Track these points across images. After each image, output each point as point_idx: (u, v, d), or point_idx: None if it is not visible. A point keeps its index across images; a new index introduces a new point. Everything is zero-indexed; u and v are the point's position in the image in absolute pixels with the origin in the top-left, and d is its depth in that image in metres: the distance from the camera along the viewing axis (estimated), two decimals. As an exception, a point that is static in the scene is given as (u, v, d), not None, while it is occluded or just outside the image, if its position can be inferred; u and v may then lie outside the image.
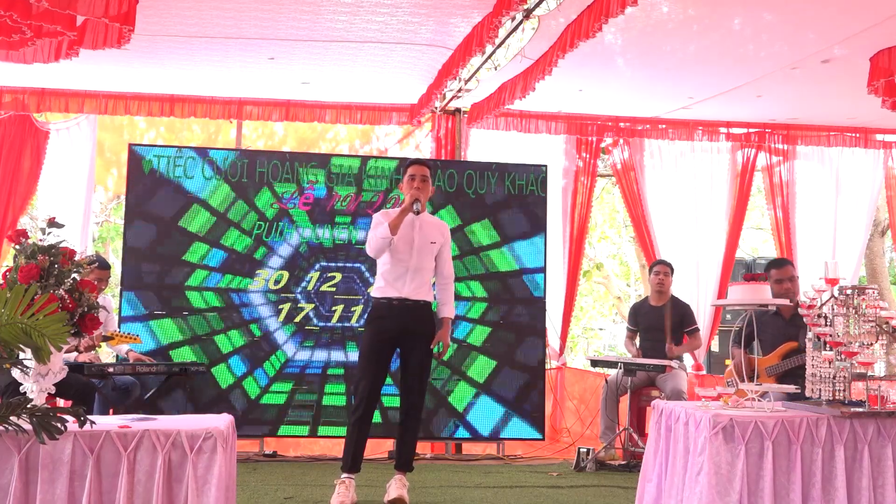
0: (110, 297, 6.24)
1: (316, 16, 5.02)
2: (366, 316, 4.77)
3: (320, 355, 6.07)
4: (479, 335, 6.20)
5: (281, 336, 6.04)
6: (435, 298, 4.74)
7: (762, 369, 5.32)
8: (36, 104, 6.64)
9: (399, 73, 6.16)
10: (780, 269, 5.43)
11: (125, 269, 5.99)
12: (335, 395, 6.05)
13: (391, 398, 5.91)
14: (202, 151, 6.16)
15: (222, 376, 5.96)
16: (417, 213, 4.53)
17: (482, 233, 6.27)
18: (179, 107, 6.79)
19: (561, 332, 7.21)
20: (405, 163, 4.78)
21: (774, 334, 5.36)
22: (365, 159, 6.34)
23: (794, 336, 5.23)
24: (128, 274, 5.97)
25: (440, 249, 4.68)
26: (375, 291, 4.66)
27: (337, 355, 6.07)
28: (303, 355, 6.05)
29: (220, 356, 5.97)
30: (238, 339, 6.00)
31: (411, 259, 4.56)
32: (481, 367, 6.18)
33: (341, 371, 6.07)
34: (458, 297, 6.15)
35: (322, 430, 6.03)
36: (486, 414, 6.16)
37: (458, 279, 6.13)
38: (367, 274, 6.09)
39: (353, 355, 6.01)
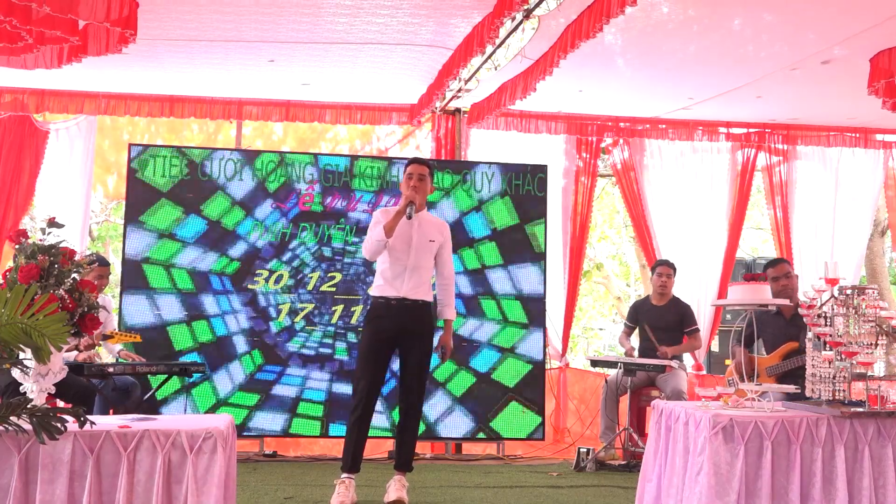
0: (110, 298, 6.24)
1: (316, 18, 5.02)
2: (364, 315, 4.75)
3: (322, 352, 6.07)
4: (479, 333, 6.20)
5: (280, 337, 6.04)
6: (435, 299, 4.73)
7: (762, 369, 5.32)
8: (35, 105, 6.63)
9: (399, 73, 6.16)
10: (775, 268, 5.47)
11: (125, 268, 5.98)
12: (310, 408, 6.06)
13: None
14: (202, 151, 6.16)
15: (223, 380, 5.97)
16: (410, 217, 4.49)
17: (482, 233, 6.26)
18: (179, 107, 6.79)
19: (562, 333, 7.21)
20: (405, 162, 4.77)
21: (775, 334, 5.37)
22: (365, 159, 6.34)
23: (794, 336, 5.24)
24: (128, 274, 5.96)
25: (440, 249, 4.66)
26: (374, 290, 4.63)
27: (338, 351, 6.08)
28: (299, 360, 6.05)
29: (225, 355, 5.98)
30: (239, 339, 5.99)
31: (409, 258, 4.53)
32: (483, 363, 6.18)
33: (323, 385, 6.04)
34: (456, 297, 6.16)
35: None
36: (482, 413, 6.17)
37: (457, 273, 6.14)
38: (367, 274, 6.08)
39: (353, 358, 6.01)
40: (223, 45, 5.52)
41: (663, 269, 6.45)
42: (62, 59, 4.53)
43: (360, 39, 5.40)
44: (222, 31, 5.25)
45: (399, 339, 4.57)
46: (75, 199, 6.81)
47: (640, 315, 6.51)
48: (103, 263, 5.47)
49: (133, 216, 5.98)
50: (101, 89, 6.64)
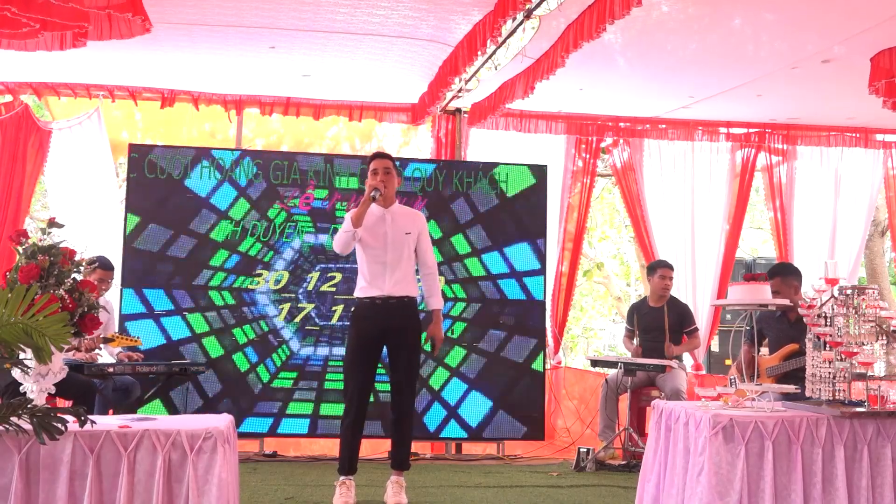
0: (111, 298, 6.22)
1: (317, 6, 5.01)
2: (350, 315, 4.70)
3: (321, 351, 6.05)
4: (478, 335, 6.19)
5: (285, 334, 6.02)
6: (421, 291, 4.67)
7: (763, 369, 5.32)
8: (35, 95, 6.62)
9: (399, 67, 6.13)
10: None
11: (125, 269, 5.97)
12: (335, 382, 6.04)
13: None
14: (203, 151, 6.15)
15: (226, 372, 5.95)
16: (374, 199, 4.40)
17: (482, 233, 6.26)
18: (180, 100, 6.76)
19: (559, 332, 7.20)
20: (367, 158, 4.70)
21: (779, 336, 5.37)
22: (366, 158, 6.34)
23: (796, 338, 5.23)
24: (127, 274, 5.95)
25: (418, 239, 4.59)
26: (358, 291, 4.58)
27: (338, 351, 6.06)
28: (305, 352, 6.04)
29: (220, 356, 5.97)
30: (240, 338, 5.98)
31: (387, 254, 4.48)
32: (478, 367, 6.17)
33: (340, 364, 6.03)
34: (455, 299, 6.16)
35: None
36: (483, 413, 6.17)
37: (456, 280, 6.15)
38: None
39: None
40: (223, 29, 5.45)
41: (666, 272, 6.43)
42: (64, 43, 4.47)
43: (360, 30, 5.39)
44: (223, 16, 5.22)
45: (385, 338, 4.52)
46: (80, 200, 6.76)
47: (639, 317, 6.50)
48: (107, 267, 5.44)
49: (132, 216, 5.97)
50: (101, 81, 6.59)
